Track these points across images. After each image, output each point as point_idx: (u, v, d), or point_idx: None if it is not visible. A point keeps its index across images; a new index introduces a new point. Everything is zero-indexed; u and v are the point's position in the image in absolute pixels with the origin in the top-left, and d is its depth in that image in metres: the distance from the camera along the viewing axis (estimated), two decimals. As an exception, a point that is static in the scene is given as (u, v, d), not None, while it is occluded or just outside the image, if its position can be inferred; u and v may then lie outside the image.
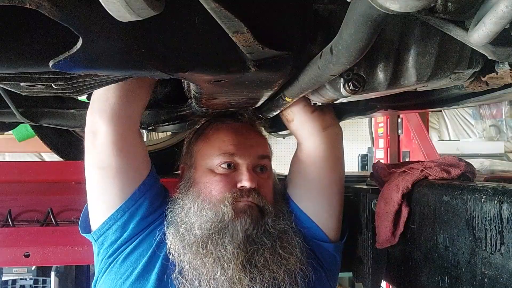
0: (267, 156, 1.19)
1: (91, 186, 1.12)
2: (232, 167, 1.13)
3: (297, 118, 1.21)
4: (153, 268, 1.08)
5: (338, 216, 1.27)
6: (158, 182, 1.20)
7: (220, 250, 1.04)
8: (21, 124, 1.59)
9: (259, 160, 1.16)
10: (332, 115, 1.26)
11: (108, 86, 0.94)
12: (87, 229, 1.15)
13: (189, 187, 1.16)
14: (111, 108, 1.04)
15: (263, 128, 1.32)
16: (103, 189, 1.10)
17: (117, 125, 1.06)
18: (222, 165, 1.12)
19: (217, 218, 1.06)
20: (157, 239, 1.11)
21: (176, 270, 1.06)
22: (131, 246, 1.10)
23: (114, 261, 1.10)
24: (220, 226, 1.06)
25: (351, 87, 0.74)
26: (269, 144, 1.27)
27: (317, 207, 1.23)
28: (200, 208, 1.09)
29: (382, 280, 1.36)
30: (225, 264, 1.02)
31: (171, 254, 1.09)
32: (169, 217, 1.14)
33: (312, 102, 1.06)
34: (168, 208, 1.16)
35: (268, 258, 1.05)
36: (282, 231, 1.11)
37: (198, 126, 1.27)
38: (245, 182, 1.09)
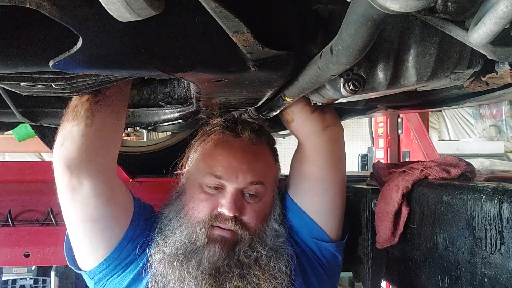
0: (260, 182, 1.13)
1: (77, 237, 1.10)
2: (219, 187, 1.11)
3: (297, 118, 1.20)
4: (142, 280, 1.10)
5: (340, 216, 1.27)
6: (142, 206, 1.19)
7: (185, 272, 1.04)
8: (21, 124, 1.59)
9: (248, 186, 1.11)
10: (333, 114, 1.24)
11: (80, 139, 0.95)
12: (76, 266, 1.15)
13: (179, 195, 1.18)
14: (90, 160, 1.00)
15: (270, 146, 1.24)
16: (94, 238, 1.09)
17: (101, 174, 1.03)
18: (209, 184, 1.11)
19: (189, 240, 1.07)
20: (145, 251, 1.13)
21: (152, 279, 1.08)
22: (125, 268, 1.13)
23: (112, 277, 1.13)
24: (190, 249, 1.06)
25: (351, 87, 0.74)
26: (274, 164, 1.23)
27: (318, 208, 1.23)
28: (179, 223, 1.11)
29: (382, 280, 1.36)
30: (187, 286, 1.04)
31: (149, 264, 1.10)
32: (157, 228, 1.15)
33: (312, 102, 1.06)
34: (156, 221, 1.18)
35: (239, 286, 1.05)
36: (256, 258, 1.09)
37: (207, 129, 1.23)
38: (224, 210, 1.07)
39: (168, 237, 1.10)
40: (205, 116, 1.21)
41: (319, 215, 1.23)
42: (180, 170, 1.26)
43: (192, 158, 1.20)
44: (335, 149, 1.24)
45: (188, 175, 1.19)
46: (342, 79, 0.75)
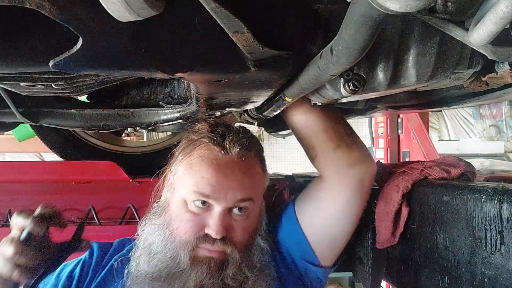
0: (250, 198, 1.06)
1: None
2: (205, 205, 1.04)
3: (320, 154, 1.16)
4: None
5: (339, 249, 1.22)
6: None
7: None
8: (21, 124, 1.59)
9: (237, 203, 1.05)
10: (361, 152, 1.18)
11: None
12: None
13: (163, 209, 1.11)
14: None
15: (259, 157, 1.15)
16: None
17: None
18: (195, 202, 1.04)
19: (173, 262, 1.02)
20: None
21: None
22: None
23: None
24: (173, 272, 1.02)
25: (351, 87, 0.74)
26: (262, 175, 1.15)
27: (320, 235, 1.18)
28: (165, 241, 1.05)
29: (382, 280, 1.36)
30: None
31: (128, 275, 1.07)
32: (140, 246, 1.11)
33: (312, 103, 1.06)
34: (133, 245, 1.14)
35: None
36: (242, 282, 1.05)
37: (192, 139, 1.13)
38: (211, 232, 1.02)
39: (152, 257, 1.05)
40: (190, 121, 1.16)
41: (318, 242, 1.18)
42: (163, 181, 1.18)
43: (176, 170, 1.12)
44: (358, 191, 1.17)
45: (172, 190, 1.11)
46: (342, 79, 0.75)
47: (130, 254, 1.12)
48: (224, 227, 1.02)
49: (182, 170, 1.09)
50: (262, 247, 1.12)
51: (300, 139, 1.24)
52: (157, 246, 1.06)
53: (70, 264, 1.17)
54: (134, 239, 1.19)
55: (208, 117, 1.15)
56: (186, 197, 1.05)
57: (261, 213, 1.16)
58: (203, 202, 1.03)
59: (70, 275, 1.13)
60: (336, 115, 1.21)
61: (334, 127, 1.18)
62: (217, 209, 1.03)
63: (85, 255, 1.18)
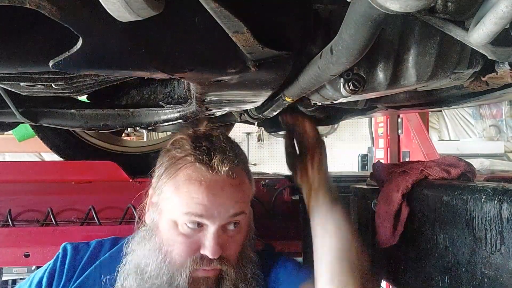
0: (242, 212, 1.04)
1: None
2: (199, 226, 1.01)
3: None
4: None
5: None
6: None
7: None
8: (21, 124, 1.59)
9: (230, 219, 1.02)
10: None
11: None
12: None
13: (152, 232, 1.08)
14: None
15: (246, 172, 1.12)
16: None
17: None
18: (188, 224, 1.00)
19: (170, 286, 1.00)
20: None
21: None
22: None
23: None
24: None
25: (351, 87, 0.74)
26: (250, 185, 1.11)
27: None
28: (159, 266, 1.02)
29: (382, 280, 1.36)
30: None
31: None
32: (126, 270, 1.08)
33: (312, 102, 1.06)
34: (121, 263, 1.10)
35: None
36: None
37: (176, 156, 1.07)
38: (207, 253, 0.99)
39: (145, 282, 1.02)
40: (170, 131, 1.11)
41: None
42: (148, 199, 1.13)
43: (161, 191, 1.07)
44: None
45: (159, 211, 1.07)
46: (342, 79, 0.75)
47: (116, 268, 1.08)
48: (219, 246, 1.00)
49: (169, 191, 1.04)
50: (252, 258, 1.10)
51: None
52: (150, 271, 1.02)
53: (40, 270, 1.14)
54: (116, 241, 1.17)
55: (185, 126, 1.11)
56: (177, 219, 1.02)
57: (250, 223, 1.14)
58: (197, 224, 1.00)
59: (40, 283, 1.10)
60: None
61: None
62: (212, 228, 1.00)
63: (55, 259, 1.15)
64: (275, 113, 1.16)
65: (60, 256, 1.15)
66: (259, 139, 6.60)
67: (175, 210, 1.02)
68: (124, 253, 1.11)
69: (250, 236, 1.13)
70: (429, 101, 1.16)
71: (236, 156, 1.06)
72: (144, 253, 1.06)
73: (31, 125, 1.72)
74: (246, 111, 1.28)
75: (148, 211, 1.13)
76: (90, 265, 1.13)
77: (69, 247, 1.17)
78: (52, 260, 1.15)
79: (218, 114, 1.24)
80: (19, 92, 0.87)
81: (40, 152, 5.09)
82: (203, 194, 1.00)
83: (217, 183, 1.02)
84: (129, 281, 1.04)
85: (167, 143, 1.17)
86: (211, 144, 1.06)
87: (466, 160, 1.19)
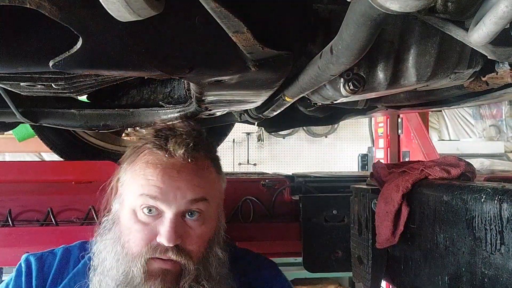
0: (203, 198, 0.99)
1: None
2: (155, 212, 0.97)
3: None
4: None
5: None
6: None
7: None
8: (21, 124, 1.59)
9: (189, 205, 0.97)
10: None
11: None
12: None
13: (113, 223, 1.04)
14: None
15: (211, 159, 1.08)
16: None
17: None
18: (143, 209, 0.97)
19: (125, 279, 0.95)
20: None
21: None
22: None
23: None
24: None
25: (351, 87, 0.74)
26: (217, 178, 1.07)
27: None
28: (117, 257, 0.98)
29: (382, 280, 1.36)
30: None
31: None
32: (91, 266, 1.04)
33: (312, 102, 1.06)
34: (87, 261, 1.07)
35: None
36: None
37: (137, 146, 1.06)
38: (163, 239, 0.94)
39: (105, 275, 0.99)
40: (136, 129, 1.11)
41: None
42: (111, 193, 1.11)
43: (123, 180, 1.05)
44: None
45: (121, 201, 1.03)
46: (342, 79, 0.75)
47: (86, 278, 1.04)
48: (176, 234, 0.95)
49: (127, 179, 1.03)
50: (220, 257, 1.06)
51: None
52: (109, 263, 0.99)
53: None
54: (84, 246, 1.13)
55: (161, 124, 1.09)
56: (135, 205, 0.98)
57: (219, 220, 1.09)
58: (151, 209, 0.97)
59: None
60: None
61: None
62: (168, 214, 0.96)
63: (16, 275, 1.08)
64: (275, 113, 1.16)
65: (23, 271, 1.08)
66: (259, 139, 6.61)
67: (132, 195, 0.99)
68: (91, 256, 1.07)
69: (219, 233, 1.08)
70: (429, 101, 1.16)
71: (196, 143, 1.03)
72: (104, 243, 1.03)
73: (31, 125, 1.72)
74: (246, 111, 1.29)
75: (112, 203, 1.10)
76: (61, 275, 1.09)
77: (32, 259, 1.11)
78: (13, 276, 1.09)
79: (218, 114, 1.24)
80: (19, 92, 0.87)
81: (40, 152, 5.10)
82: (158, 176, 0.97)
83: (173, 166, 0.99)
84: (94, 283, 1.00)
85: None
86: (171, 132, 1.04)
87: (466, 160, 1.19)
